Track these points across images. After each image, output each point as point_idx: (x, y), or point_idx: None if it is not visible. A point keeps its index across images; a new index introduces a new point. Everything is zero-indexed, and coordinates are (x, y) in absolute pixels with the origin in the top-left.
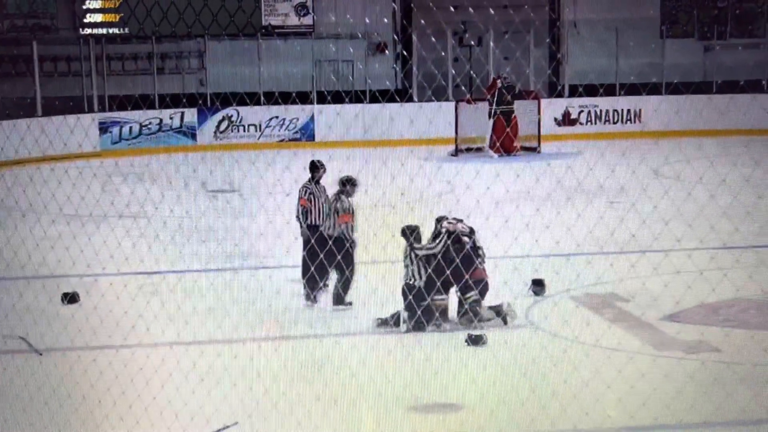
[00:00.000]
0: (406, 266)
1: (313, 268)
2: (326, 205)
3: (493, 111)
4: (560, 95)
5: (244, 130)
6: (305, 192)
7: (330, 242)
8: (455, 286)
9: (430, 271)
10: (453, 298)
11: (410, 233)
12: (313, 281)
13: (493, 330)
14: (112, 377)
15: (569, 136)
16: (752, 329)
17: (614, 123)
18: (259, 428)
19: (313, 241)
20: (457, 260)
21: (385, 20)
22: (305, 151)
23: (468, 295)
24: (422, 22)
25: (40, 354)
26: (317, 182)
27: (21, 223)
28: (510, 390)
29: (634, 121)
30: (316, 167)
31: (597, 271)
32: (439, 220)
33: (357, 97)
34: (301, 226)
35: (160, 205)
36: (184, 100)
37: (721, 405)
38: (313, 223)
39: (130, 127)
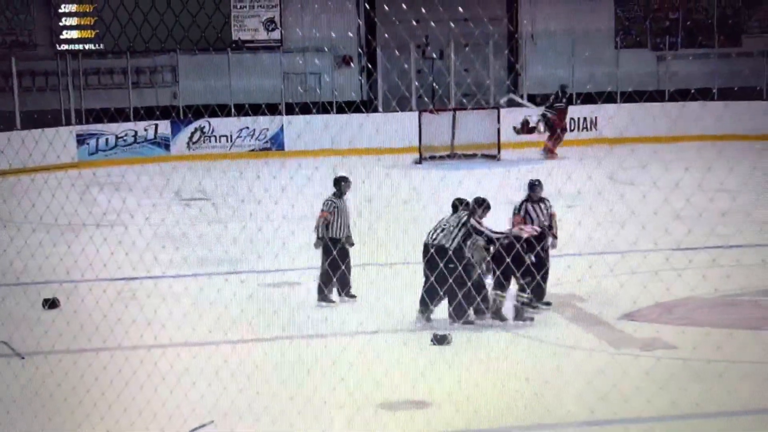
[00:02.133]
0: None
1: (324, 279)
2: (348, 219)
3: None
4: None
5: (216, 141)
6: (330, 206)
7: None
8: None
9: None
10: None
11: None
12: (323, 292)
13: (456, 331)
14: (92, 379)
15: (528, 144)
16: (705, 327)
17: (571, 130)
18: (235, 427)
19: (335, 253)
20: (507, 260)
21: (350, 34)
22: (275, 161)
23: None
24: (386, 35)
25: (23, 357)
26: (341, 196)
27: (2, 232)
28: (475, 387)
29: (590, 129)
30: (340, 182)
31: (556, 272)
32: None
33: (324, 108)
34: (320, 238)
35: (136, 214)
36: (158, 113)
37: (676, 400)
38: (334, 236)
39: (107, 139)
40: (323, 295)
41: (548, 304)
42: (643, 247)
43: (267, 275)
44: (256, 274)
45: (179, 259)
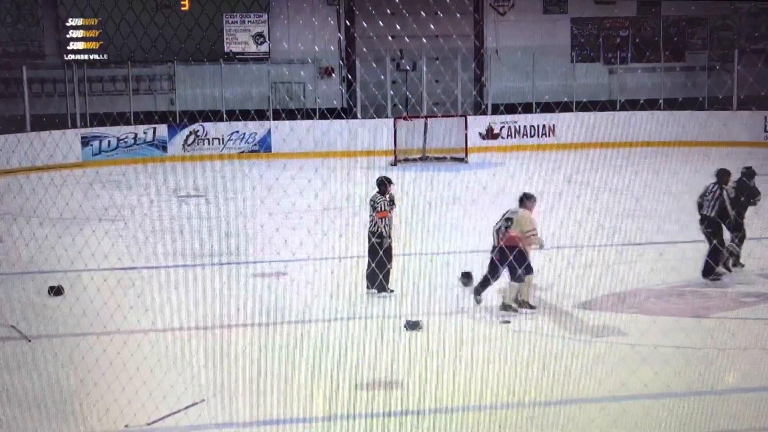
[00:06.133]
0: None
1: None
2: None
3: None
4: (484, 113)
5: (209, 143)
6: (386, 204)
7: None
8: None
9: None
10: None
11: None
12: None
13: (428, 316)
14: (93, 361)
15: (492, 149)
16: (653, 315)
17: (531, 137)
18: (224, 404)
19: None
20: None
21: (332, 48)
22: (263, 162)
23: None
24: (364, 49)
25: (29, 340)
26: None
27: (12, 225)
28: (442, 368)
29: (549, 135)
30: (387, 183)
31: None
32: None
33: (308, 115)
34: (387, 237)
35: (136, 209)
36: (156, 117)
37: (626, 381)
38: (386, 233)
39: (109, 141)
40: (382, 287)
41: None
42: (598, 243)
43: (255, 266)
44: (245, 265)
45: (175, 251)
